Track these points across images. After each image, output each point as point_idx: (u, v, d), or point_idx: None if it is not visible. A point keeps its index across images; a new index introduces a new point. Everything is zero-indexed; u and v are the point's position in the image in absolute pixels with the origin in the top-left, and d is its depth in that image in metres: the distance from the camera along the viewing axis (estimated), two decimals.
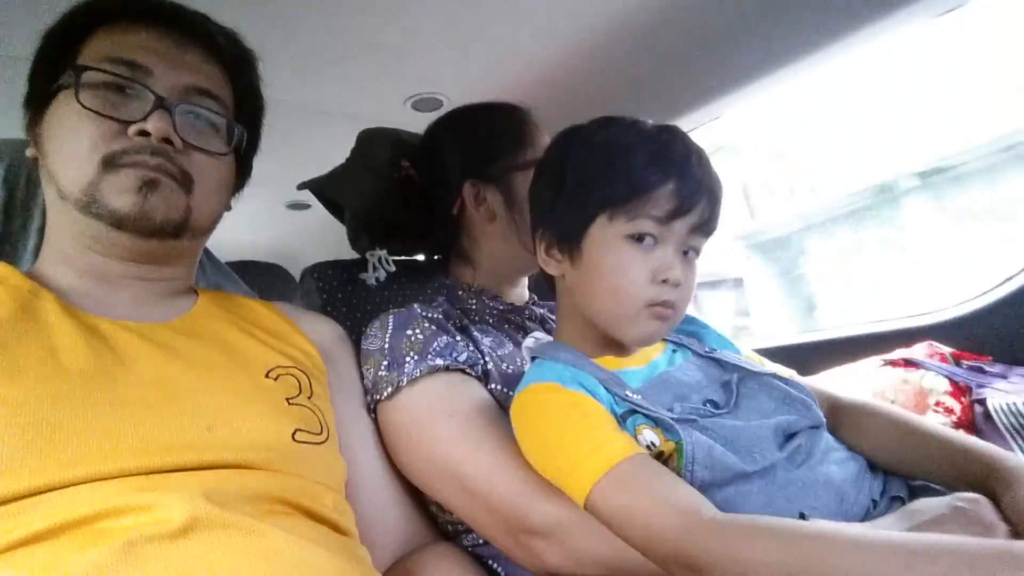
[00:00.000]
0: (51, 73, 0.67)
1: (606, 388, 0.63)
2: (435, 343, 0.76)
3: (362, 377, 0.80)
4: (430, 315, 0.81)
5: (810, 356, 1.51)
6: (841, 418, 0.74)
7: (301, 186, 1.05)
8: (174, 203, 0.66)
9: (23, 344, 0.55)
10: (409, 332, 0.77)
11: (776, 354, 0.99)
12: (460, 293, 0.93)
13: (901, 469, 0.67)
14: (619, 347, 0.70)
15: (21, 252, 0.82)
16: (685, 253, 0.66)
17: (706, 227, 0.66)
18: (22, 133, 0.72)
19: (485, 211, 0.92)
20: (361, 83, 1.37)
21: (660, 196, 0.63)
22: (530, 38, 1.21)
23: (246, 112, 0.78)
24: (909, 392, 1.06)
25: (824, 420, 0.68)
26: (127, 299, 0.68)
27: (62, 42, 0.68)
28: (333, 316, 0.94)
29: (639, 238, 0.64)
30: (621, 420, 0.61)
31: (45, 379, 0.53)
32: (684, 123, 1.46)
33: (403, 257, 1.12)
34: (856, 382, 1.14)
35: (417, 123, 1.11)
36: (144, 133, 0.63)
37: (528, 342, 0.74)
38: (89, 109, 0.62)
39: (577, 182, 0.67)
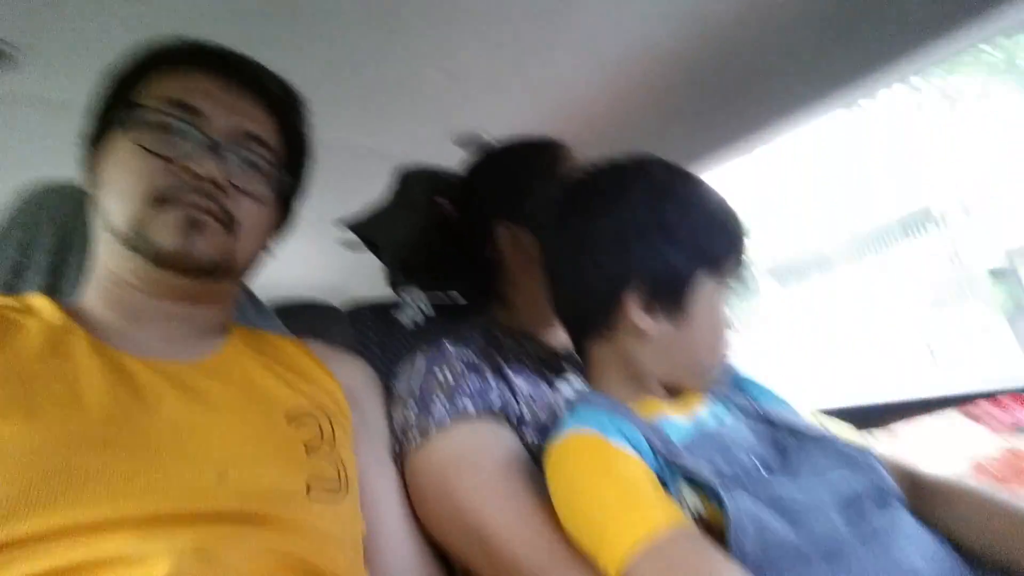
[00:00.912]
0: (110, 111, 0.70)
1: (647, 441, 0.58)
2: (465, 385, 0.72)
3: (391, 421, 0.77)
4: (463, 353, 0.77)
5: (876, 417, 1.39)
6: (925, 496, 0.66)
7: (339, 224, 1.04)
8: (217, 244, 0.67)
9: (46, 382, 0.54)
10: (438, 373, 0.74)
11: (840, 416, 0.92)
12: (496, 334, 0.89)
13: (1000, 560, 0.58)
14: (662, 394, 0.67)
15: (67, 287, 0.83)
16: None
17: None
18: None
19: (520, 253, 0.88)
20: (405, 122, 1.38)
21: (740, 250, 0.67)
22: (570, 72, 1.23)
23: (294, 158, 0.80)
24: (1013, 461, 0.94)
25: (900, 493, 0.60)
26: (158, 337, 0.67)
27: (123, 83, 0.71)
28: (367, 358, 0.92)
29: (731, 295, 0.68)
30: (661, 477, 0.56)
31: (63, 421, 0.52)
32: (718, 157, 1.47)
33: (442, 299, 1.09)
34: (941, 443, 1.02)
35: (462, 160, 1.08)
36: (193, 173, 0.65)
37: (567, 392, 0.70)
38: (141, 147, 0.64)
39: (679, 236, 0.65)
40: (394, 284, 1.04)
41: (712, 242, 0.66)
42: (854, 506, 0.56)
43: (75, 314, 0.66)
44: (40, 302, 0.66)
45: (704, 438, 0.61)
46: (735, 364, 0.76)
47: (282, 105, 0.77)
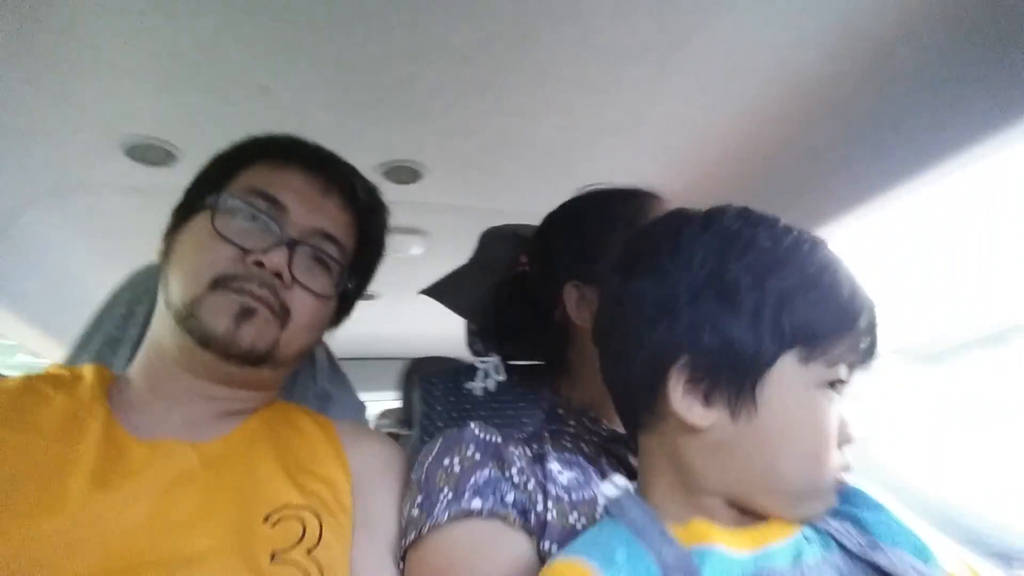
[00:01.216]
0: (204, 191, 0.74)
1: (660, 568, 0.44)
2: (474, 478, 0.61)
3: (401, 512, 0.68)
4: (486, 437, 0.66)
5: None
6: None
7: (422, 292, 1.02)
8: (265, 333, 0.68)
9: (41, 478, 0.56)
10: (447, 461, 0.64)
11: None
12: (560, 412, 0.78)
13: None
14: (725, 515, 0.50)
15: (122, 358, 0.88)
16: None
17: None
18: None
19: (589, 317, 0.76)
20: (525, 180, 1.42)
21: (859, 333, 0.50)
22: (687, 123, 1.21)
23: (365, 257, 0.82)
24: None
25: None
26: (180, 416, 0.68)
27: (224, 165, 0.77)
28: (434, 426, 0.87)
29: (832, 386, 0.50)
30: None
31: (42, 513, 0.54)
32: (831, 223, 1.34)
33: (521, 362, 1.00)
34: None
35: None
36: (260, 264, 0.67)
37: (606, 488, 0.55)
38: (218, 232, 0.67)
39: (752, 302, 0.49)
40: (472, 349, 0.99)
41: (810, 316, 0.48)
42: None
43: (114, 384, 0.70)
44: (88, 372, 0.70)
45: None
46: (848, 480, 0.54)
47: (365, 207, 0.80)
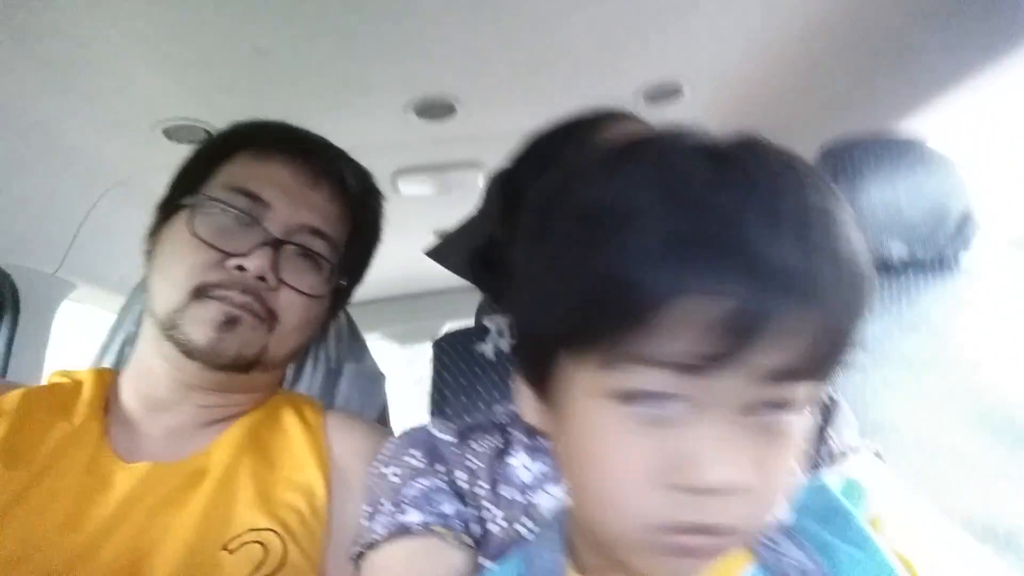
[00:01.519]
0: (186, 187, 0.71)
1: None
2: (411, 489, 0.55)
3: None
4: (435, 437, 0.60)
5: None
6: None
7: (426, 254, 0.95)
8: (251, 341, 0.66)
9: (37, 505, 0.58)
10: (387, 471, 0.58)
11: None
12: None
13: None
14: None
15: None
16: (770, 414, 0.32)
17: (818, 368, 0.32)
18: None
19: None
20: (560, 96, 1.28)
21: (681, 320, 0.29)
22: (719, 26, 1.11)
23: (360, 244, 0.79)
24: None
25: None
26: (166, 429, 0.68)
27: (207, 159, 0.73)
28: (445, 397, 0.83)
29: (650, 400, 0.32)
30: None
31: (26, 551, 0.54)
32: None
33: None
34: None
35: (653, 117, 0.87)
36: (242, 268, 0.64)
37: (553, 490, 0.47)
38: (198, 237, 0.65)
39: (538, 282, 0.36)
40: (480, 309, 0.92)
41: (583, 301, 0.32)
42: None
43: (113, 388, 0.70)
44: (88, 380, 0.70)
45: None
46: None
47: (357, 194, 0.76)
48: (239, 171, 0.70)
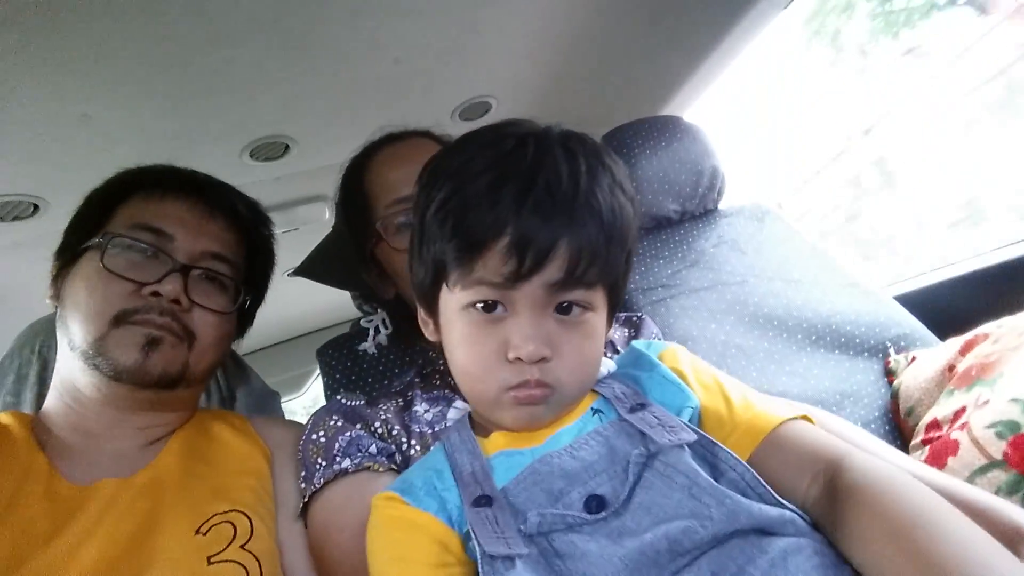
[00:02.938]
0: (84, 231, 0.75)
1: (459, 487, 0.51)
2: (338, 442, 0.69)
3: None
4: (347, 404, 0.75)
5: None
6: (838, 509, 0.45)
7: (291, 275, 1.06)
8: (173, 358, 0.71)
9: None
10: (315, 436, 0.71)
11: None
12: (431, 354, 0.86)
13: None
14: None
15: None
16: (567, 309, 0.51)
17: (582, 279, 0.49)
18: None
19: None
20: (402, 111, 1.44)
21: (492, 254, 0.48)
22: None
23: (258, 266, 0.87)
24: None
25: (778, 515, 0.44)
26: (110, 454, 0.72)
27: (101, 204, 0.77)
28: (336, 393, 0.94)
29: (485, 307, 0.51)
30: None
31: (13, 564, 0.57)
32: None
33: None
34: None
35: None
36: (156, 294, 0.70)
37: (451, 413, 0.64)
38: (110, 271, 0.70)
39: (419, 234, 0.55)
40: (361, 310, 1.05)
41: (440, 245, 0.51)
42: (691, 556, 0.43)
43: (40, 431, 0.71)
44: (10, 421, 0.71)
45: (533, 474, 0.51)
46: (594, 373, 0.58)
47: (249, 223, 0.84)
48: (137, 211, 0.75)
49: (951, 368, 0.96)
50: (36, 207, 1.28)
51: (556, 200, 0.48)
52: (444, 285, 0.53)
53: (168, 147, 1.27)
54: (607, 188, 0.51)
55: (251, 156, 1.42)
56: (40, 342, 0.95)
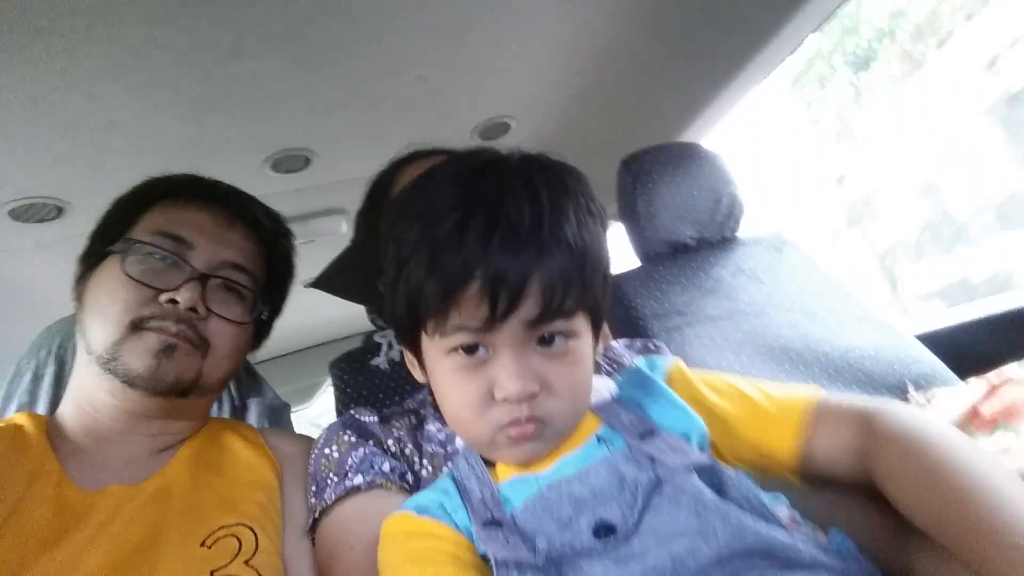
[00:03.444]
0: (109, 237, 0.76)
1: (468, 512, 0.51)
2: (351, 458, 0.68)
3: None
4: (360, 420, 0.74)
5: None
6: (881, 455, 0.50)
7: (307, 285, 1.06)
8: (187, 366, 0.72)
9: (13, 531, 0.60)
10: (327, 451, 0.71)
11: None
12: None
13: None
14: None
15: None
16: (549, 340, 0.50)
17: (559, 310, 0.48)
18: None
19: None
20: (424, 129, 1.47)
21: (465, 299, 0.47)
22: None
23: (277, 278, 0.87)
24: None
25: (787, 537, 0.44)
26: (121, 459, 0.72)
27: (127, 210, 0.78)
28: (348, 407, 0.93)
29: (467, 349, 0.50)
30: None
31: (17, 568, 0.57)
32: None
33: None
34: None
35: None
36: (173, 301, 0.70)
37: (459, 440, 0.64)
38: (130, 277, 0.70)
39: (392, 279, 0.52)
40: (375, 324, 1.05)
41: (410, 298, 0.50)
42: None
43: (53, 434, 0.72)
44: (26, 423, 0.71)
45: (542, 499, 0.51)
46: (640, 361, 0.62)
47: (270, 234, 0.84)
48: (160, 218, 0.76)
49: (975, 411, 0.94)
50: (60, 210, 1.30)
51: (521, 236, 0.46)
52: (423, 331, 0.52)
53: (192, 155, 1.30)
54: (572, 214, 0.49)
55: (272, 168, 1.44)
56: (57, 344, 0.96)
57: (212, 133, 1.25)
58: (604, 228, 0.53)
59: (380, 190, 0.91)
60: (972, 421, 0.93)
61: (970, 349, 1.21)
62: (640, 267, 1.24)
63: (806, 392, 0.59)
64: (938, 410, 0.98)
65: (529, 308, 0.47)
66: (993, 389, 0.93)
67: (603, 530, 0.47)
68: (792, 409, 0.57)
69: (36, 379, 0.93)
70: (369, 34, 1.10)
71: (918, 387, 1.06)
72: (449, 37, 1.18)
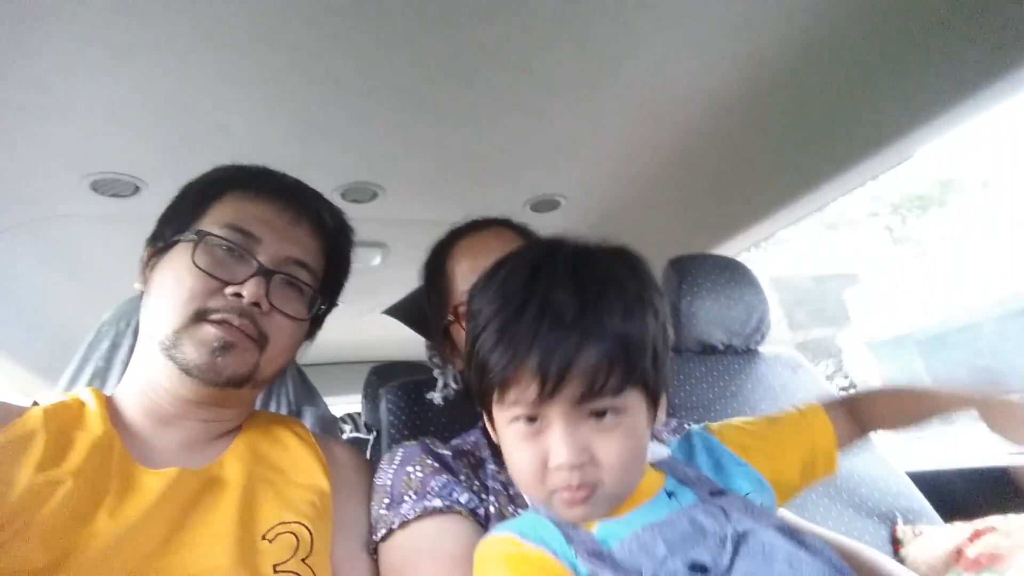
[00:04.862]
0: (180, 222, 0.78)
1: (569, 543, 0.57)
2: (433, 482, 0.75)
3: (369, 513, 0.79)
4: (438, 451, 0.81)
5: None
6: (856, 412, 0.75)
7: (384, 312, 1.13)
8: (244, 360, 0.74)
9: (75, 510, 0.62)
10: (410, 469, 0.77)
11: None
12: None
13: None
14: None
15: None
16: (601, 414, 0.56)
17: (604, 389, 0.54)
18: None
19: None
20: (471, 195, 1.60)
21: (521, 379, 0.54)
22: (613, 142, 1.46)
23: (333, 276, 0.89)
24: None
25: None
26: (177, 442, 0.75)
27: (197, 198, 0.81)
28: (400, 434, 0.99)
29: (527, 419, 0.57)
30: None
31: (76, 545, 0.60)
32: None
33: None
34: None
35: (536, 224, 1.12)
36: (239, 295, 0.73)
37: None
38: (199, 267, 0.73)
39: (468, 355, 0.61)
40: (431, 362, 1.10)
41: (481, 363, 0.57)
42: None
43: (115, 412, 0.75)
44: (91, 399, 0.75)
45: (637, 539, 0.57)
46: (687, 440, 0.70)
47: (333, 232, 0.87)
48: (230, 210, 0.78)
49: (959, 551, 1.03)
50: (137, 188, 1.35)
51: (566, 324, 0.54)
52: (492, 398, 0.59)
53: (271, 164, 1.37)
54: (616, 302, 0.56)
55: (342, 196, 1.53)
56: (136, 319, 1.00)
57: (294, 151, 1.32)
58: (656, 310, 0.59)
59: (439, 255, 0.98)
60: (957, 560, 1.02)
61: (950, 496, 1.31)
62: (672, 358, 1.34)
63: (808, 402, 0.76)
64: (925, 545, 1.08)
65: (575, 387, 0.53)
66: (977, 534, 1.03)
67: (699, 569, 0.54)
68: (816, 414, 0.74)
69: (113, 347, 0.96)
70: (468, 102, 1.22)
71: (906, 521, 1.16)
72: (499, 112, 1.28)
